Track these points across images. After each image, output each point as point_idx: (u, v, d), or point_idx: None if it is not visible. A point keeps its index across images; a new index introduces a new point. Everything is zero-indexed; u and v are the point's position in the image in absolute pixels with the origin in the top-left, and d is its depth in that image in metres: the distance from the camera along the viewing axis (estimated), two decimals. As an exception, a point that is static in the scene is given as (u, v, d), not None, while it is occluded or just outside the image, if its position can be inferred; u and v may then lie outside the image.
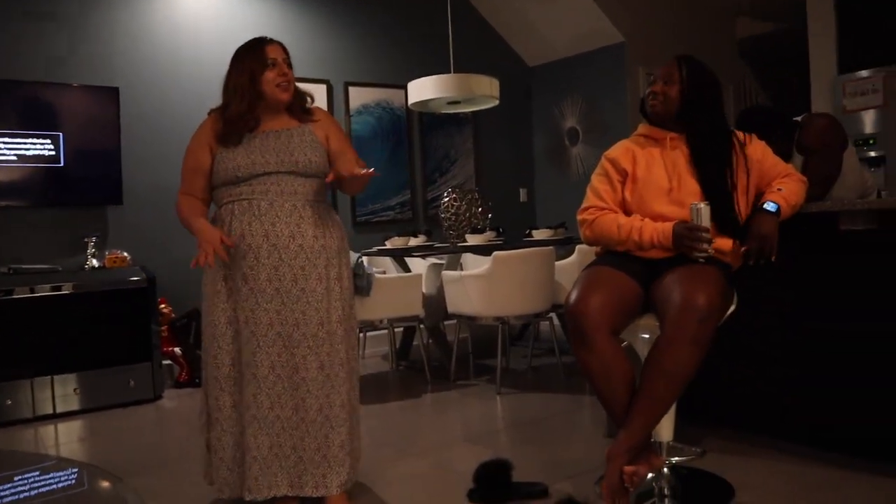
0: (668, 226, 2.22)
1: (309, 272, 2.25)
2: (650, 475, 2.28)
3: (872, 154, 4.85)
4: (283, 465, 2.23)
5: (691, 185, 2.29)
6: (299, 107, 2.40)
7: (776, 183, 2.32)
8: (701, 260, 2.17)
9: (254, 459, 2.20)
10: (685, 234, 2.17)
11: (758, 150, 2.36)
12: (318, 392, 2.23)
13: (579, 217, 2.44)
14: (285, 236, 2.23)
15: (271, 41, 2.35)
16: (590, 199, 2.43)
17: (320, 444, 2.23)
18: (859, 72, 4.94)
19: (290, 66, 2.35)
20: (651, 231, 2.24)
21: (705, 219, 2.16)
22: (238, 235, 2.23)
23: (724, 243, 2.26)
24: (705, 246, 2.16)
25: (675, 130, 2.36)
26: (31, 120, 4.19)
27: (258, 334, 2.21)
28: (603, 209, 2.38)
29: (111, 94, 4.43)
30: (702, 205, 2.17)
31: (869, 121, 4.91)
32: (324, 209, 2.35)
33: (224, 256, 2.19)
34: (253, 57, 2.30)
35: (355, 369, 2.40)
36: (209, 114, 2.38)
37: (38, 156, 4.21)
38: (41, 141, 4.21)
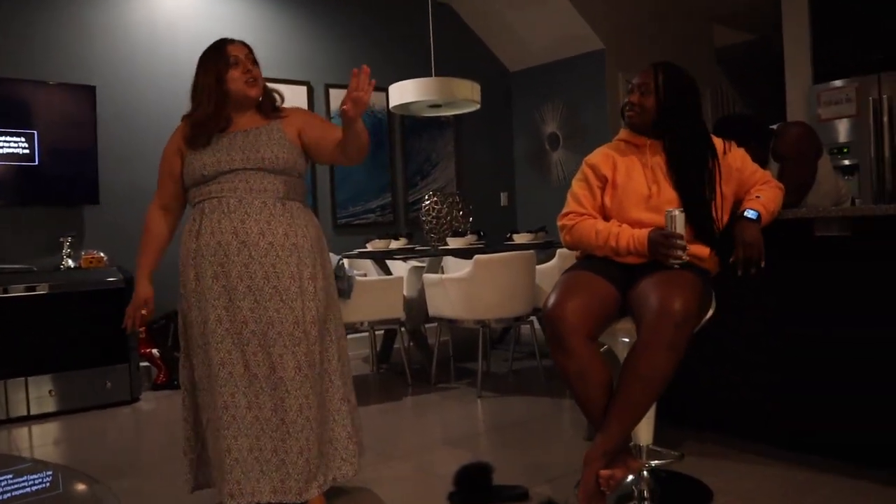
0: (644, 233, 2.24)
1: (281, 270, 2.22)
2: (628, 478, 2.30)
3: (846, 163, 4.94)
4: (265, 470, 2.19)
5: (670, 192, 2.31)
6: (269, 105, 2.39)
7: (755, 190, 2.35)
8: (676, 266, 2.20)
9: (235, 462, 2.17)
10: (660, 241, 2.19)
11: (737, 158, 2.39)
12: (296, 392, 2.20)
13: (559, 222, 2.46)
14: (255, 233, 2.21)
15: (233, 41, 2.35)
16: (570, 205, 2.45)
17: (302, 446, 2.20)
18: (833, 81, 5.03)
19: (254, 62, 2.35)
20: (627, 237, 2.26)
21: (680, 226, 2.19)
22: (208, 235, 2.22)
23: (702, 249, 2.28)
24: (679, 253, 2.18)
25: (655, 137, 2.39)
26: (5, 117, 4.12)
27: (233, 332, 2.19)
28: (582, 215, 2.40)
29: (87, 93, 4.38)
30: (676, 211, 2.19)
31: (843, 130, 5.00)
32: (297, 208, 2.32)
33: (137, 327, 2.40)
34: (216, 58, 2.30)
35: (331, 371, 2.35)
36: (182, 119, 2.38)
37: (12, 154, 4.14)
38: (15, 139, 4.15)
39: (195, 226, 2.26)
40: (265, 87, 2.38)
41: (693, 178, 2.31)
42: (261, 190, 2.25)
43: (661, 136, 2.38)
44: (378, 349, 4.86)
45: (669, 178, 2.33)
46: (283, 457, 2.19)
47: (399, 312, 4.18)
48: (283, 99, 2.45)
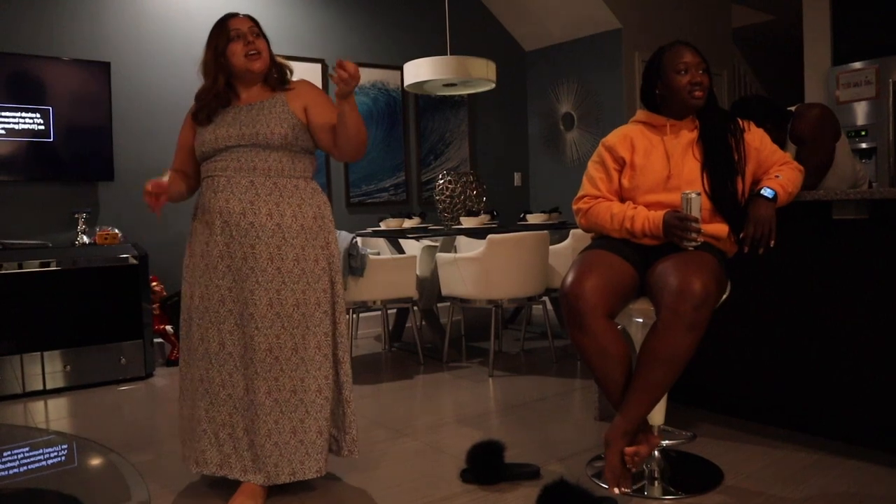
0: (659, 215, 2.23)
1: (259, 251, 2.18)
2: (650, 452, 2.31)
3: (864, 146, 4.89)
4: (237, 448, 2.21)
5: (689, 173, 2.30)
6: (277, 79, 2.35)
7: (774, 170, 2.33)
8: (690, 249, 2.19)
9: (203, 432, 2.23)
10: (675, 223, 2.18)
11: (756, 138, 2.37)
12: (266, 374, 2.18)
13: (574, 206, 2.45)
14: (237, 213, 2.20)
15: (236, 15, 2.32)
16: (585, 188, 2.43)
17: (271, 429, 2.18)
18: (853, 63, 4.97)
19: (258, 35, 2.30)
20: (642, 220, 2.25)
21: (696, 209, 2.17)
22: (200, 214, 2.28)
23: (720, 229, 2.27)
24: (694, 235, 2.17)
25: (674, 117, 2.37)
26: (20, 93, 4.14)
27: (211, 310, 2.22)
28: (597, 198, 2.39)
29: (102, 69, 4.38)
30: (693, 194, 2.17)
31: (861, 112, 4.94)
32: (293, 186, 2.26)
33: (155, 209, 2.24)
34: (217, 33, 2.29)
35: (308, 358, 2.24)
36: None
37: (28, 130, 4.16)
38: (30, 115, 4.16)
39: (195, 206, 2.34)
40: (273, 61, 2.34)
41: (722, 157, 2.29)
42: (250, 168, 2.22)
43: (685, 116, 2.36)
44: (390, 328, 4.88)
45: (691, 158, 2.31)
46: (253, 437, 2.19)
47: (412, 291, 4.19)
48: (292, 73, 2.41)
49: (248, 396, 2.19)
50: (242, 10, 4.78)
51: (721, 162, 2.29)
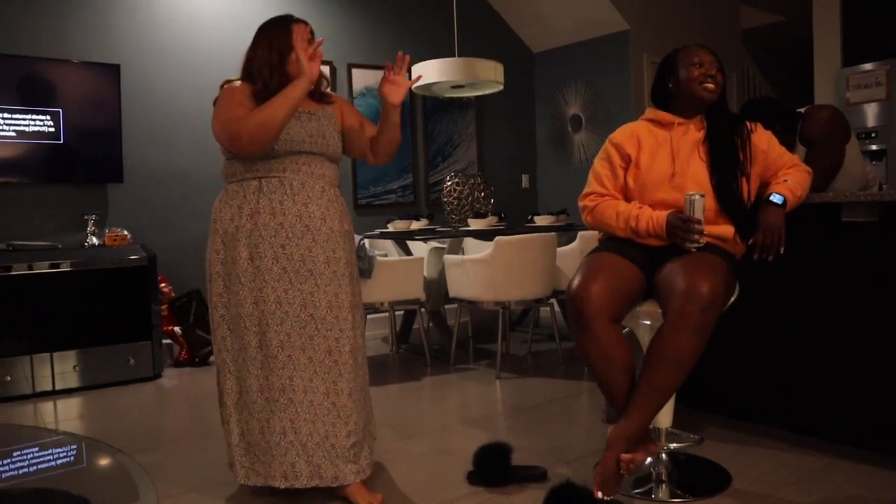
0: (663, 215, 2.22)
1: (339, 256, 2.26)
2: (647, 461, 2.30)
3: (874, 147, 4.87)
4: (327, 456, 2.20)
5: (695, 173, 2.29)
6: (317, 89, 2.38)
7: (782, 174, 2.32)
8: (693, 250, 2.18)
9: (290, 444, 2.18)
10: (678, 224, 2.17)
11: (763, 140, 2.36)
12: (348, 376, 2.23)
13: (580, 203, 2.44)
14: (317, 218, 2.23)
15: (298, 20, 2.31)
16: (591, 185, 2.42)
17: (351, 430, 2.21)
18: (863, 65, 4.94)
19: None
20: (647, 220, 2.24)
21: (699, 210, 2.16)
22: (267, 215, 2.19)
23: (725, 230, 2.26)
24: (697, 237, 2.16)
25: (682, 116, 2.36)
26: (31, 96, 4.17)
27: (291, 315, 2.19)
28: (603, 195, 2.38)
29: (112, 71, 4.41)
30: (696, 196, 2.16)
31: (871, 114, 4.92)
32: (338, 194, 2.37)
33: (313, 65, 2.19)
34: (280, 33, 2.27)
35: (363, 355, 2.41)
36: (226, 83, 2.31)
37: (38, 132, 4.19)
38: (41, 117, 4.19)
39: (249, 203, 2.21)
40: (320, 75, 2.36)
41: (728, 158, 2.28)
42: (320, 175, 2.28)
43: (695, 115, 2.35)
44: (398, 329, 4.88)
45: (697, 158, 2.30)
46: (322, 440, 2.20)
47: (419, 293, 4.20)
48: (329, 83, 2.47)
49: (329, 400, 2.20)
50: (255, 14, 4.80)
51: (727, 162, 2.28)
